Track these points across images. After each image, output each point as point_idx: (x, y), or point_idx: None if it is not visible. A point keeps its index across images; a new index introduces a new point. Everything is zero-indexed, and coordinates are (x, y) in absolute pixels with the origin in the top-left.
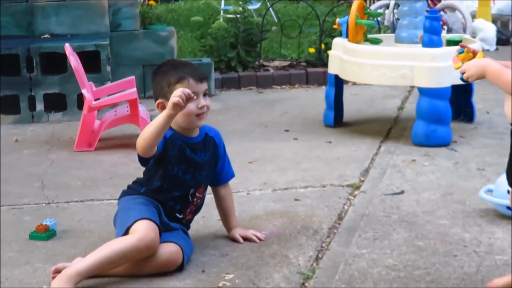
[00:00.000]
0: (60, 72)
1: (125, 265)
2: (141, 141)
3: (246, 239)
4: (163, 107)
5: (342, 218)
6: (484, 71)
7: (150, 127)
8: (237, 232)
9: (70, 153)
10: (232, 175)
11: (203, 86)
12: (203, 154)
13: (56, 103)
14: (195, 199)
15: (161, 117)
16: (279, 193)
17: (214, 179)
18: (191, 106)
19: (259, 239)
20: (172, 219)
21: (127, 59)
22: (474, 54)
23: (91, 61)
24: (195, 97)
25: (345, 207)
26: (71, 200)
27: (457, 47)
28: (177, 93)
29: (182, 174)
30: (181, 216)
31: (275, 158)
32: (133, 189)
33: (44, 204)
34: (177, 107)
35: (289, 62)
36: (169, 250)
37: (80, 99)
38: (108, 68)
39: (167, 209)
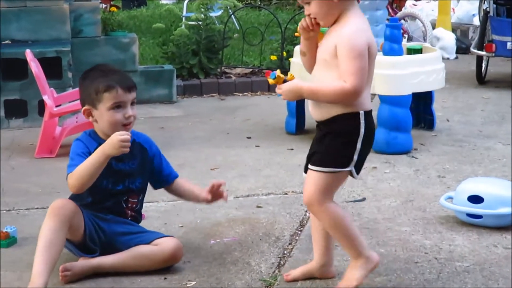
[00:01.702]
0: (21, 78)
1: (129, 262)
2: (75, 181)
3: (216, 196)
4: (89, 114)
5: (304, 225)
6: (299, 93)
7: (87, 169)
8: (205, 192)
9: (30, 159)
10: (175, 176)
11: (131, 96)
12: (130, 163)
13: (17, 110)
14: (129, 205)
15: (98, 158)
16: (241, 200)
17: (157, 183)
18: (118, 116)
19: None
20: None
21: (89, 66)
22: None
23: (52, 67)
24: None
25: (307, 214)
26: (32, 207)
27: (276, 72)
28: (120, 144)
29: (112, 186)
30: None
31: (236, 165)
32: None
33: (4, 211)
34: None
35: (251, 69)
36: (173, 244)
37: (41, 105)
38: (69, 75)
39: (110, 218)
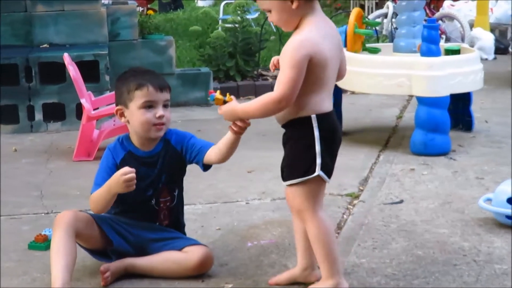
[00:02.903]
0: (59, 81)
1: (158, 265)
2: (92, 206)
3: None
4: (121, 114)
5: (341, 227)
6: (235, 114)
7: (99, 200)
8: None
9: (68, 162)
10: (209, 145)
11: (163, 96)
12: (156, 169)
13: (55, 113)
14: (161, 205)
15: (105, 194)
16: (278, 202)
17: (199, 162)
18: (148, 115)
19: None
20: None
21: (126, 69)
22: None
23: (90, 71)
24: (134, 182)
25: (344, 216)
26: (70, 209)
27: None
28: (125, 184)
29: (139, 195)
30: (157, 224)
31: (273, 167)
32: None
33: (43, 214)
34: (124, 189)
35: None
36: (201, 253)
37: (79, 108)
38: (107, 78)
39: (142, 225)
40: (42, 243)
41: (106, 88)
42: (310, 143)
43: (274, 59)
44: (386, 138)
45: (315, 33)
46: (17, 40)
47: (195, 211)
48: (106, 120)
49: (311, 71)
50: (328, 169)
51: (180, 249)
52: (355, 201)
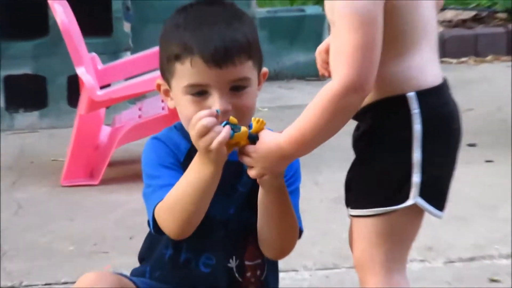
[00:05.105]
0: (36, 35)
1: None
2: (169, 223)
3: None
4: (166, 93)
5: None
6: (282, 156)
7: (185, 197)
8: None
9: (53, 189)
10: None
11: (229, 73)
12: (243, 185)
13: (28, 95)
14: (248, 274)
15: (190, 183)
16: (459, 267)
17: None
18: (194, 108)
19: None
20: None
21: (159, 12)
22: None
23: (94, 14)
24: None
25: None
26: (56, 281)
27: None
28: (207, 151)
29: (210, 223)
30: None
31: (452, 200)
32: (138, 272)
33: None
34: (215, 155)
35: (474, 13)
36: None
37: (74, 85)
38: (127, 27)
39: None
40: None
41: (124, 46)
42: (403, 144)
43: (320, 49)
44: None
45: None
46: None
47: (298, 283)
48: (124, 109)
49: (392, 21)
50: (438, 192)
51: None
52: None
